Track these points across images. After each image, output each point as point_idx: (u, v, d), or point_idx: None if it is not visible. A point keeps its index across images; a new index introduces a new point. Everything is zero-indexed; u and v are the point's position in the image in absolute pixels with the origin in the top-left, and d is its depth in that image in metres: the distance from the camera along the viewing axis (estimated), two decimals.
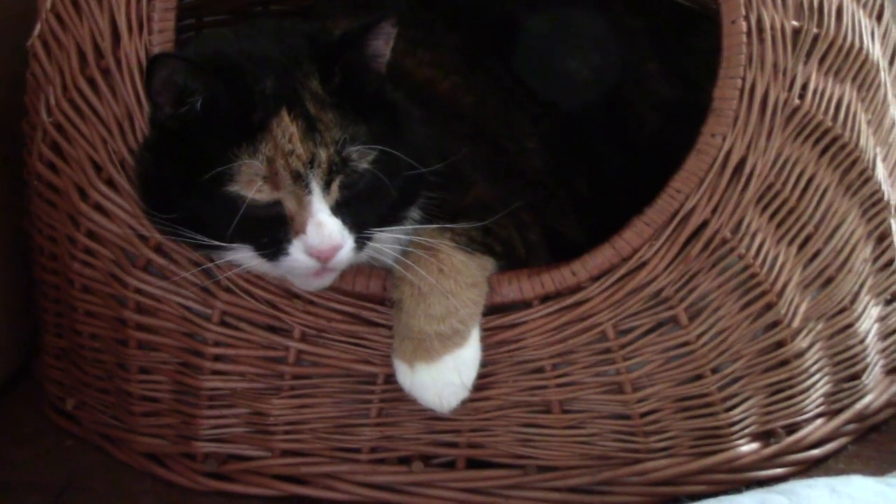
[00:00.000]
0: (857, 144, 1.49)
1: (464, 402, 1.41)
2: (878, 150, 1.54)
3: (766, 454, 1.52)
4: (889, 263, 1.60)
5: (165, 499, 1.52)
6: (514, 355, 1.45)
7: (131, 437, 1.56)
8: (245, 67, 1.30)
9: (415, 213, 1.39)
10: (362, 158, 1.29)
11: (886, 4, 1.56)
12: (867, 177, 1.52)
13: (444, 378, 1.39)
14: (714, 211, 1.42)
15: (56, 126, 1.50)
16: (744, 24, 1.40)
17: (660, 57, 1.72)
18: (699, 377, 1.47)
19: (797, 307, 1.49)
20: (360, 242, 1.30)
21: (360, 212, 1.30)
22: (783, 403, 1.53)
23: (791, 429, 1.55)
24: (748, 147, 1.41)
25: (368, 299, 1.43)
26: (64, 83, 1.48)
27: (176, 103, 1.28)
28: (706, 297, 1.45)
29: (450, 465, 1.50)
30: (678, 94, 1.69)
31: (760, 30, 1.41)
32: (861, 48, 1.49)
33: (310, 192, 1.27)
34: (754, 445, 1.53)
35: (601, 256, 1.42)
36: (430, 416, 1.46)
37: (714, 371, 1.48)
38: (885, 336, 1.64)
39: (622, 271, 1.42)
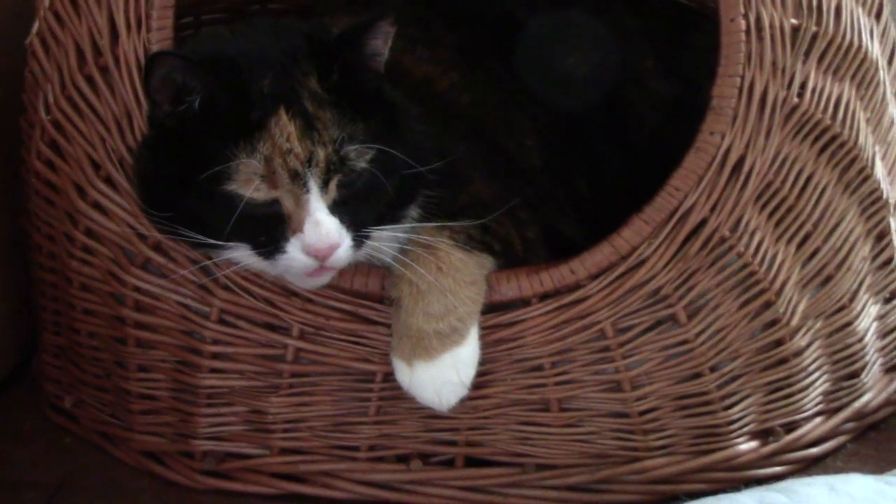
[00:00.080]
0: (855, 143, 1.49)
1: (462, 401, 1.41)
2: (876, 148, 1.54)
3: (764, 452, 1.52)
4: (888, 261, 1.60)
5: (164, 497, 1.52)
6: (512, 353, 1.45)
7: (130, 435, 1.56)
8: (243, 66, 1.30)
9: (413, 211, 1.39)
10: (360, 157, 1.29)
11: (885, 3, 1.56)
12: (866, 175, 1.52)
13: (443, 376, 1.39)
14: (713, 209, 1.42)
15: (54, 124, 1.50)
16: (742, 23, 1.40)
17: (659, 56, 1.72)
18: (698, 375, 1.47)
19: (796, 305, 1.49)
20: (358, 241, 1.30)
21: (357, 210, 1.30)
22: (782, 402, 1.53)
23: (790, 427, 1.55)
24: (747, 145, 1.41)
25: (367, 297, 1.43)
26: (62, 81, 1.48)
27: (174, 101, 1.28)
28: (705, 295, 1.44)
29: (448, 463, 1.50)
30: (677, 92, 1.69)
31: (759, 28, 1.41)
32: (860, 46, 1.49)
33: (307, 191, 1.27)
34: (753, 444, 1.53)
35: (600, 255, 1.42)
36: (429, 415, 1.46)
37: (713, 369, 1.47)
38: (883, 334, 1.63)
39: (621, 269, 1.42)
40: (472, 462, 1.50)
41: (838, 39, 1.46)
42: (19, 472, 1.57)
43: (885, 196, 1.55)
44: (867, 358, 1.60)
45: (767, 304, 1.47)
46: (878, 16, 1.55)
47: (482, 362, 1.42)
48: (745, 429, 1.52)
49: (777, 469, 1.53)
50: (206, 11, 1.85)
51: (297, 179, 1.27)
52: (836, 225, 1.50)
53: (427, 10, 1.65)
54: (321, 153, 1.27)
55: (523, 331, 1.43)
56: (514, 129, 1.61)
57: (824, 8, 1.45)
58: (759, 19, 1.41)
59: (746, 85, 1.41)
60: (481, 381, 1.44)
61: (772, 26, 1.41)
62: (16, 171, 1.63)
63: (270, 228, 1.28)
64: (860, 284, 1.56)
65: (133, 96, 1.42)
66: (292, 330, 1.45)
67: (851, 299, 1.55)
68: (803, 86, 1.44)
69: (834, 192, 1.49)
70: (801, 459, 1.55)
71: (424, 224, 1.38)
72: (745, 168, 1.42)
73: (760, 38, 1.41)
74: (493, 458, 1.50)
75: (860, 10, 1.50)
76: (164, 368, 1.51)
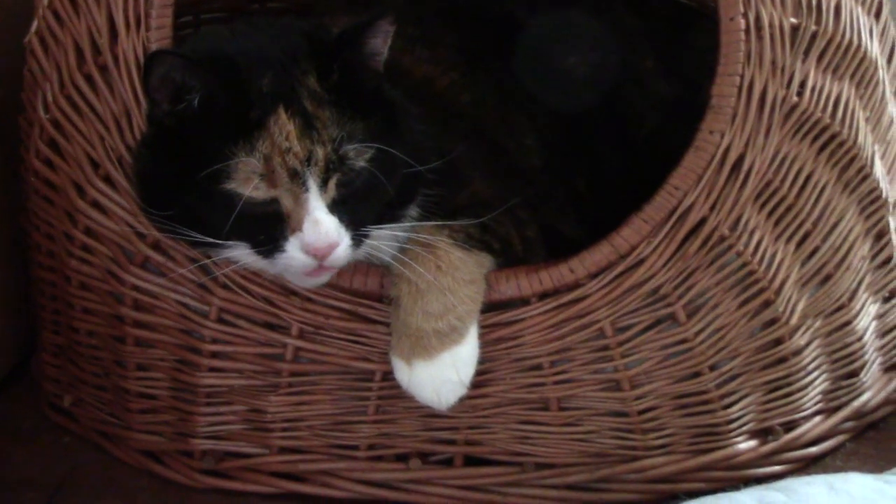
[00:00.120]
0: (855, 142, 1.49)
1: (461, 400, 1.41)
2: (876, 147, 1.54)
3: (764, 451, 1.52)
4: (887, 260, 1.60)
5: (163, 496, 1.52)
6: (512, 352, 1.45)
7: (129, 434, 1.56)
8: (242, 65, 1.30)
9: (413, 210, 1.39)
10: (359, 156, 1.29)
11: (885, 2, 1.56)
12: (865, 174, 1.52)
13: (442, 375, 1.38)
14: (712, 208, 1.42)
15: (53, 123, 1.50)
16: (742, 22, 1.40)
17: (658, 55, 1.72)
18: (697, 374, 1.47)
19: (795, 304, 1.49)
20: (357, 240, 1.30)
21: (357, 210, 1.30)
22: (781, 401, 1.53)
23: (789, 426, 1.55)
24: (746, 144, 1.41)
25: (366, 296, 1.43)
26: (61, 80, 1.48)
27: (173, 100, 1.28)
28: (704, 294, 1.44)
29: (447, 462, 1.50)
30: (677, 92, 1.69)
31: (759, 27, 1.41)
32: (859, 45, 1.49)
33: (307, 190, 1.27)
34: (752, 443, 1.53)
35: (599, 254, 1.42)
36: (428, 414, 1.46)
37: (712, 368, 1.47)
38: (883, 333, 1.64)
39: (620, 268, 1.42)
40: (471, 461, 1.50)
41: (838, 38, 1.46)
42: (18, 471, 1.57)
43: (884, 195, 1.55)
44: (866, 357, 1.60)
45: (766, 303, 1.47)
46: (878, 15, 1.55)
47: (481, 361, 1.42)
48: (745, 428, 1.52)
49: (776, 468, 1.53)
50: (205, 10, 1.85)
51: (297, 178, 1.27)
52: (836, 224, 1.50)
53: (427, 10, 1.65)
54: (320, 152, 1.27)
55: (522, 330, 1.43)
56: (513, 129, 1.61)
57: (824, 7, 1.45)
58: (758, 18, 1.41)
59: (746, 84, 1.41)
60: (480, 379, 1.43)
61: (771, 25, 1.41)
62: (15, 170, 1.63)
63: (269, 227, 1.28)
64: (859, 283, 1.56)
65: (132, 95, 1.42)
66: (291, 329, 1.45)
67: (850, 298, 1.55)
68: (803, 85, 1.44)
69: (833, 191, 1.49)
70: (800, 458, 1.55)
71: (424, 223, 1.38)
72: (745, 167, 1.42)
73: (760, 37, 1.41)
74: (493, 457, 1.50)
75: (859, 9, 1.50)
76: (163, 367, 1.51)
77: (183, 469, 1.53)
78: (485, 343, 1.42)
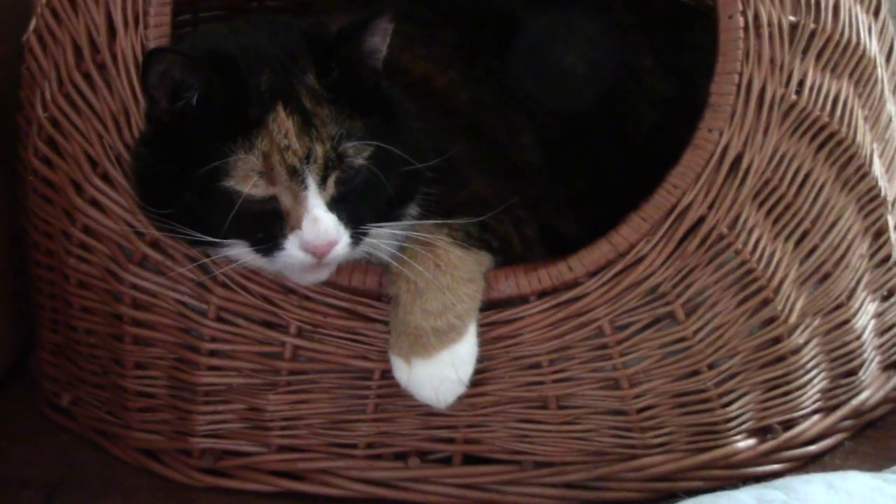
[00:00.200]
0: (854, 140, 1.49)
1: (460, 398, 1.41)
2: (874, 145, 1.54)
3: (762, 450, 1.52)
4: (886, 259, 1.60)
5: (161, 495, 1.52)
6: (510, 351, 1.44)
7: (127, 432, 1.56)
8: (241, 62, 1.30)
9: (412, 208, 1.39)
10: (358, 154, 1.29)
11: (883, 0, 1.56)
12: (864, 172, 1.52)
13: (441, 374, 1.38)
14: (711, 206, 1.42)
15: (51, 121, 1.49)
16: (741, 20, 1.40)
17: (657, 54, 1.72)
18: (696, 373, 1.47)
19: (794, 303, 1.49)
20: (356, 238, 1.30)
21: (356, 207, 1.29)
22: (780, 399, 1.53)
23: (788, 425, 1.55)
24: (745, 142, 1.41)
25: (365, 295, 1.43)
26: (59, 78, 1.48)
27: (172, 98, 1.28)
28: (703, 292, 1.44)
29: (446, 460, 1.50)
30: (675, 90, 1.69)
31: (757, 25, 1.41)
32: (858, 44, 1.49)
33: (305, 188, 1.27)
34: (751, 441, 1.53)
35: (598, 252, 1.42)
36: (427, 412, 1.46)
37: (711, 367, 1.47)
38: (881, 332, 1.64)
39: (619, 267, 1.42)
40: (470, 459, 1.50)
41: (836, 36, 1.46)
42: (17, 469, 1.57)
43: (882, 193, 1.55)
44: (865, 355, 1.60)
45: (765, 302, 1.47)
46: (876, 13, 1.55)
47: (480, 360, 1.42)
48: (743, 426, 1.52)
49: (775, 466, 1.53)
50: (203, 8, 1.85)
51: (296, 176, 1.26)
52: (834, 222, 1.50)
53: (426, 8, 1.65)
54: (319, 150, 1.27)
55: (521, 328, 1.43)
56: (512, 127, 1.61)
57: (822, 5, 1.45)
58: (757, 16, 1.41)
59: (745, 82, 1.41)
60: (479, 378, 1.43)
61: (770, 23, 1.41)
62: (13, 169, 1.63)
63: (268, 225, 1.27)
64: (858, 281, 1.56)
65: (130, 93, 1.42)
66: (290, 327, 1.45)
67: (849, 296, 1.55)
68: (801, 83, 1.44)
69: (832, 190, 1.49)
70: (798, 457, 1.55)
71: (422, 221, 1.38)
72: (743, 165, 1.42)
73: (759, 36, 1.41)
74: (492, 455, 1.50)
75: (858, 7, 1.50)
76: (162, 366, 1.51)
77: (182, 468, 1.53)
78: (484, 341, 1.42)
